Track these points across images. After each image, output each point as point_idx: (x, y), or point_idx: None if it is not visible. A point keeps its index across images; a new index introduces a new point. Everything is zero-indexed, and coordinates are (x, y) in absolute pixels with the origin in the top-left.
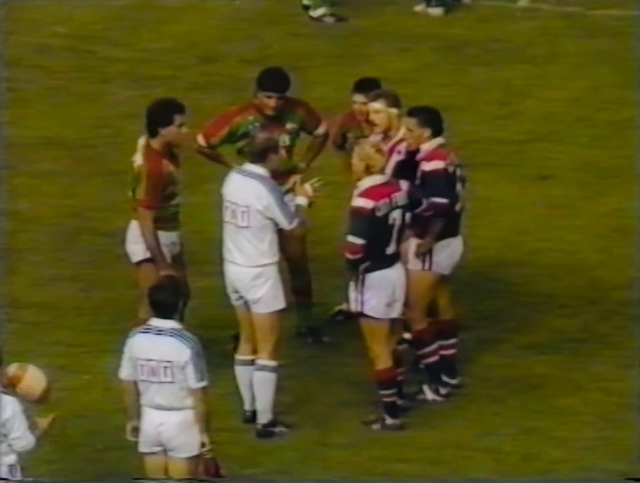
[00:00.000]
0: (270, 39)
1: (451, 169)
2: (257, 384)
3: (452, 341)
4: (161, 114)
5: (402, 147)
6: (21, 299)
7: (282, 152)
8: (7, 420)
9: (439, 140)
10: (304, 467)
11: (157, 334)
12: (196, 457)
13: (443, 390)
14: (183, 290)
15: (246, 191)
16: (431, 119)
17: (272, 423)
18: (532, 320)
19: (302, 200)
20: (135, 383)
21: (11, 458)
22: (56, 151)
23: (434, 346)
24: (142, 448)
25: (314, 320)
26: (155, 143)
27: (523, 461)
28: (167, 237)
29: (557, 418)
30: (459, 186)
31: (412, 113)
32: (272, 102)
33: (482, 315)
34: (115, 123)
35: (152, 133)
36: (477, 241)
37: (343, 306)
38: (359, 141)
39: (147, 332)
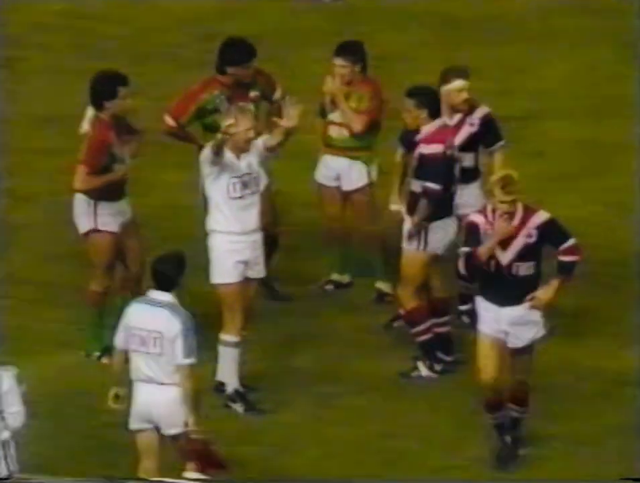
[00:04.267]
0: (267, 16)
1: (449, 152)
2: (220, 357)
3: (446, 318)
4: (105, 87)
5: (476, 118)
6: (18, 276)
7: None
8: (4, 394)
9: (439, 121)
10: (298, 444)
11: (152, 305)
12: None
13: (437, 367)
14: (182, 263)
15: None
16: (429, 100)
17: (232, 398)
18: None
19: (285, 122)
20: (127, 353)
21: (5, 434)
22: (53, 128)
23: (427, 324)
24: (133, 424)
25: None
26: (102, 115)
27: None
28: (111, 207)
29: (552, 397)
30: (457, 168)
31: (410, 93)
32: (247, 72)
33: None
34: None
35: (97, 106)
36: None
37: (333, 276)
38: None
39: (143, 302)
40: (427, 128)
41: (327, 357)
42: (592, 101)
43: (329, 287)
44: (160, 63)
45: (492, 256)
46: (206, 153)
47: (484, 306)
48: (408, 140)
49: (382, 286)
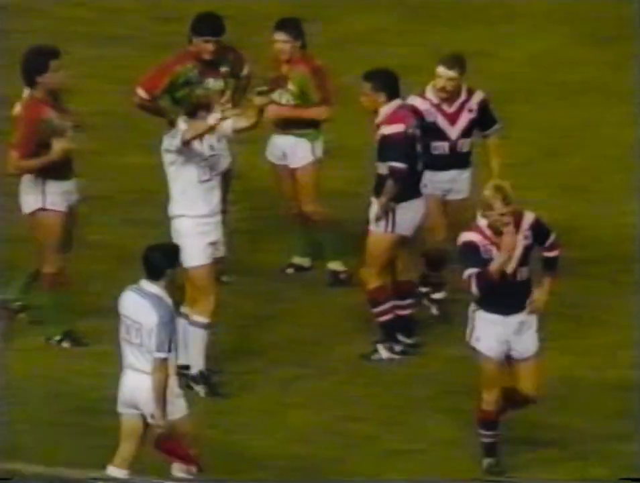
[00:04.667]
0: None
1: (410, 131)
2: (188, 339)
3: (408, 301)
4: (35, 62)
5: (474, 104)
6: None
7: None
8: None
9: (397, 102)
10: (263, 427)
11: (139, 294)
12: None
13: (397, 348)
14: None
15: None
16: (385, 83)
17: (196, 379)
18: None
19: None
20: None
21: None
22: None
23: (388, 305)
24: (120, 408)
25: None
26: (37, 93)
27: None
28: (59, 186)
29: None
30: (419, 147)
31: (366, 77)
32: (210, 47)
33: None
34: (73, 81)
35: (30, 83)
36: None
37: (294, 260)
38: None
39: (133, 290)
40: (385, 109)
41: (289, 340)
42: (554, 84)
43: (290, 270)
44: (121, 46)
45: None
46: (174, 143)
47: (489, 320)
48: None
49: (334, 265)
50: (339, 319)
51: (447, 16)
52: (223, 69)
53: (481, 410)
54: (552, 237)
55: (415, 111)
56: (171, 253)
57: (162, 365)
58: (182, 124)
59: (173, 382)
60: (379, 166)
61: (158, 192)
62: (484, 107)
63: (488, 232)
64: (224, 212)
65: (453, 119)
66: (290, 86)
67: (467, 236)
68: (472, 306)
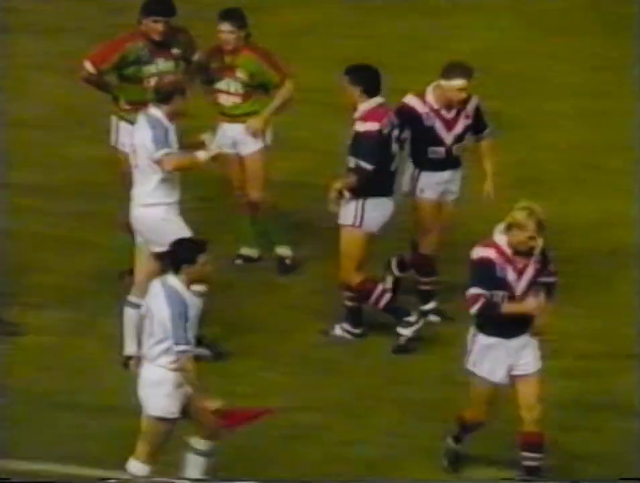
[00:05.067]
0: None
1: (386, 131)
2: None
3: (429, 277)
4: None
5: (470, 110)
6: None
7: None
8: None
9: (377, 100)
10: None
11: (162, 285)
12: (163, 421)
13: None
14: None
15: (138, 131)
16: (362, 78)
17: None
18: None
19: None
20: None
21: None
22: None
23: (378, 290)
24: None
25: None
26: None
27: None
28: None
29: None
30: (395, 147)
31: (345, 70)
32: (159, 27)
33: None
34: (19, 73)
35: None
36: None
37: (242, 251)
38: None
39: (160, 280)
40: (364, 106)
41: (237, 331)
42: (499, 75)
43: (239, 261)
44: (68, 37)
45: (508, 287)
46: (154, 150)
47: (485, 344)
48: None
49: (281, 251)
50: (289, 309)
51: (391, 7)
52: (175, 51)
53: (460, 417)
54: (552, 265)
55: (413, 112)
56: (194, 247)
57: (183, 357)
58: (155, 111)
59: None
60: (349, 159)
61: (103, 184)
62: (477, 112)
63: (508, 250)
64: None
65: (450, 125)
66: (239, 74)
67: (482, 252)
68: (472, 331)
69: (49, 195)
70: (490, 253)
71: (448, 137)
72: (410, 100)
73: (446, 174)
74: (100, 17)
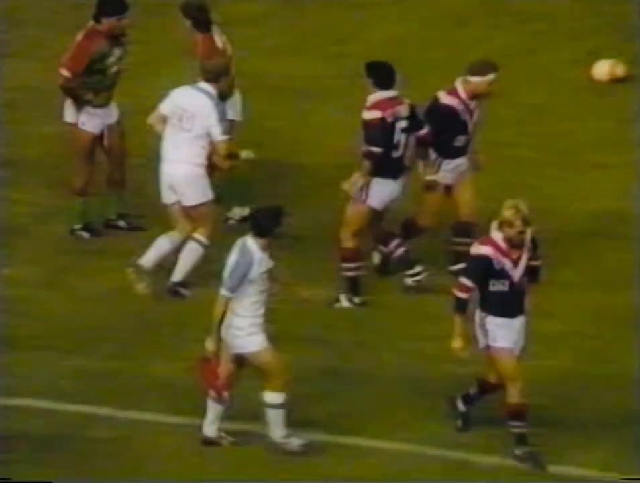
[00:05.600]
0: None
1: (390, 120)
2: (186, 251)
3: (468, 239)
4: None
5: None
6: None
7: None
8: None
9: (388, 93)
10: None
11: (239, 245)
12: (264, 352)
13: (356, 299)
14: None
15: (196, 101)
16: (373, 72)
17: (182, 284)
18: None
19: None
20: None
21: None
22: None
23: (355, 265)
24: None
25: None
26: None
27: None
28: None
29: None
30: (401, 137)
31: (364, 65)
32: (125, 22)
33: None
34: None
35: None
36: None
37: (230, 214)
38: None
39: (242, 239)
40: (373, 97)
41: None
42: (418, 65)
43: (232, 222)
44: (38, 27)
45: (507, 276)
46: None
47: (497, 323)
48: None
49: (237, 210)
50: None
51: (316, 2)
52: (122, 38)
53: (508, 404)
54: (539, 249)
55: (451, 109)
56: (274, 214)
57: (222, 300)
58: (209, 88)
59: (241, 320)
60: (363, 145)
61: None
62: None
63: (504, 245)
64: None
65: (472, 114)
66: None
67: (481, 249)
68: (479, 314)
69: (27, 167)
70: (487, 251)
71: (470, 126)
72: (445, 98)
73: (462, 158)
74: (66, 11)
